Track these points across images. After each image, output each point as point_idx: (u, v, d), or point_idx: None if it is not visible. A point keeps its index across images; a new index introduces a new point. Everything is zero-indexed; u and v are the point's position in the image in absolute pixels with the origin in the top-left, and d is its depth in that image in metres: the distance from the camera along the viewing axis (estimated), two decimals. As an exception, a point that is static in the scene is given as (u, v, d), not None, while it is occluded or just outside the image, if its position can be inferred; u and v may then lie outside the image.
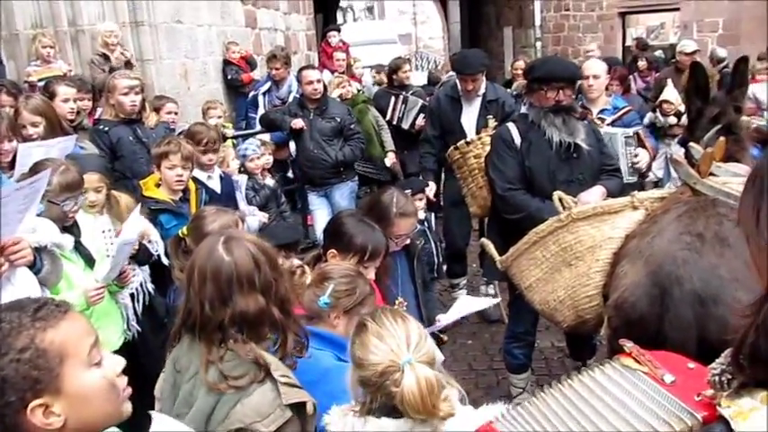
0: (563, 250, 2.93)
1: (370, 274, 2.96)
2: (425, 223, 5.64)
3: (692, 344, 2.26)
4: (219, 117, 6.43)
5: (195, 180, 4.20)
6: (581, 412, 1.69)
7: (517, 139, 3.88)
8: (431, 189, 5.53)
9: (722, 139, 2.88)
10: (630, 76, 8.86)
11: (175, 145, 3.90)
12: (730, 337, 1.07)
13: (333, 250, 2.91)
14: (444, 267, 6.11)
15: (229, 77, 8.43)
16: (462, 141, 4.83)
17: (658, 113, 6.45)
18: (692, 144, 2.95)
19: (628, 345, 1.73)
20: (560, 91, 3.77)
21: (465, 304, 3.72)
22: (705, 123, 3.01)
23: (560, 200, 2.91)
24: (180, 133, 4.81)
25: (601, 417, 1.62)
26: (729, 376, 1.09)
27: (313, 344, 2.30)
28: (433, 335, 3.39)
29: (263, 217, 4.94)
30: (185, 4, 7.47)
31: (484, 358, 5.38)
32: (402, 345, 1.86)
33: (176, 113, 5.67)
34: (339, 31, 11.30)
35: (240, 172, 5.49)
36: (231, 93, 8.67)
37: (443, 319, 3.48)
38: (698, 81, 3.14)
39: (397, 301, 3.39)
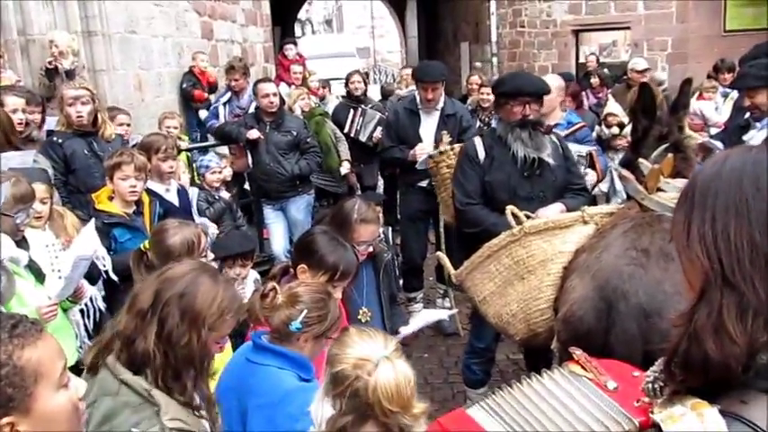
0: (515, 264, 2.97)
1: (339, 293, 2.94)
2: (383, 237, 5.66)
3: (637, 356, 2.31)
4: (176, 128, 6.36)
5: (149, 192, 4.14)
6: (530, 414, 1.75)
7: (481, 154, 3.92)
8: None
9: (670, 155, 2.96)
10: (584, 93, 9.05)
11: (128, 156, 3.84)
12: (663, 346, 1.11)
13: (303, 266, 2.89)
14: (401, 281, 6.12)
15: (184, 86, 8.35)
16: (436, 151, 4.90)
17: (603, 126, 6.61)
18: (641, 160, 3.03)
19: (576, 352, 1.79)
20: (527, 106, 3.82)
21: (425, 316, 3.74)
22: (651, 142, 3.09)
23: (513, 214, 2.95)
24: (134, 145, 4.74)
25: (547, 419, 1.68)
26: (662, 384, 1.13)
27: (277, 363, 2.31)
28: (396, 346, 3.41)
29: (214, 229, 4.89)
30: (140, 14, 7.38)
31: (440, 371, 5.39)
32: (379, 345, 1.90)
33: (129, 125, 5.58)
34: (296, 44, 11.30)
35: (192, 184, 5.44)
36: (186, 105, 8.60)
37: (404, 331, 3.49)
38: (645, 101, 3.23)
39: (360, 311, 3.42)
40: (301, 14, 33.47)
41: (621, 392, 1.61)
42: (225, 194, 5.89)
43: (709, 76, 8.16)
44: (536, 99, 3.88)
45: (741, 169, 1.08)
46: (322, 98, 9.03)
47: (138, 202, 3.92)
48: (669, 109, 3.22)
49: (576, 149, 4.61)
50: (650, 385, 1.16)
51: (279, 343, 2.36)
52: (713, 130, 6.51)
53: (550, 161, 3.83)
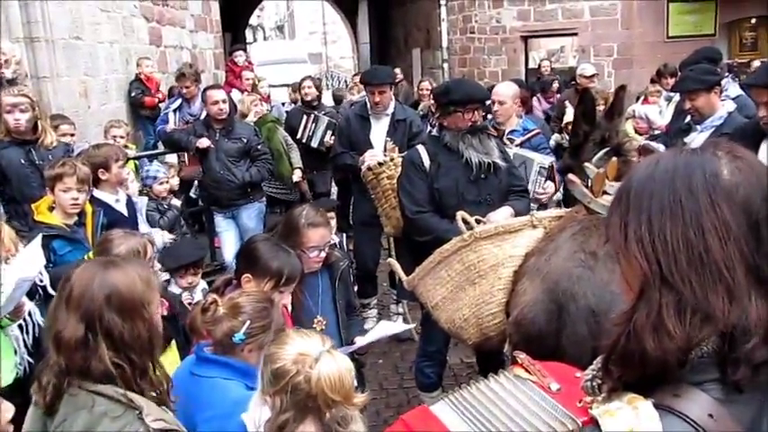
0: (467, 269, 2.99)
1: (286, 298, 2.94)
2: (338, 245, 5.65)
3: (588, 357, 2.33)
4: (122, 137, 6.22)
5: (94, 203, 4.05)
6: (476, 418, 1.76)
7: (426, 162, 3.94)
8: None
9: (614, 159, 3.01)
10: (535, 98, 9.19)
11: (70, 167, 3.75)
12: (603, 344, 1.13)
13: (248, 275, 2.86)
14: (355, 288, 6.10)
15: (132, 94, 8.20)
16: (375, 162, 4.90)
17: (564, 134, 6.71)
18: (586, 164, 3.08)
19: (520, 356, 1.83)
20: (475, 112, 3.88)
21: (382, 328, 3.73)
22: (591, 146, 3.15)
23: (463, 220, 2.97)
24: (78, 154, 4.63)
25: (499, 421, 1.70)
26: (599, 381, 1.16)
27: (223, 374, 2.29)
28: (351, 355, 3.40)
29: (166, 238, 4.81)
30: (85, 19, 7.22)
31: (394, 377, 5.40)
32: (317, 342, 1.95)
33: (73, 135, 5.44)
34: (245, 50, 11.21)
35: (140, 194, 5.34)
36: (135, 113, 8.44)
37: (359, 341, 3.48)
38: (586, 106, 3.29)
39: (315, 320, 3.40)
40: (253, 20, 33.27)
41: (565, 393, 1.65)
42: (176, 202, 5.81)
43: (652, 81, 8.39)
44: (482, 105, 3.94)
45: (673, 171, 1.11)
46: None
47: (80, 214, 3.83)
48: (605, 114, 3.29)
49: (540, 161, 4.66)
50: (588, 383, 1.19)
51: (223, 354, 2.34)
52: (657, 133, 6.68)
53: (501, 163, 3.88)
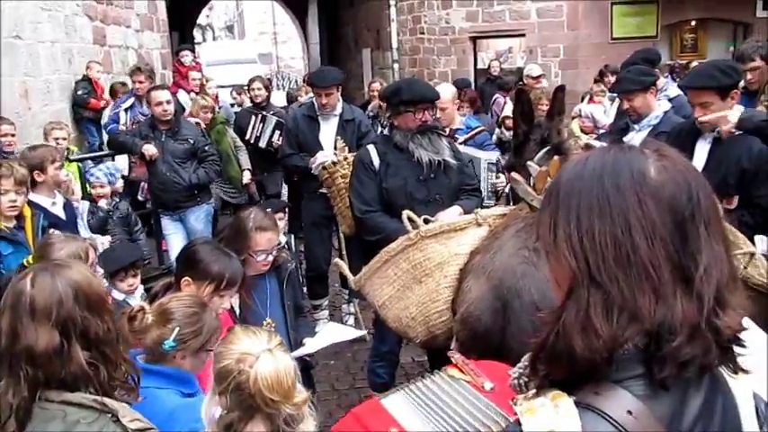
0: (413, 268, 3.00)
1: (226, 303, 2.91)
2: (286, 246, 5.61)
3: (533, 353, 2.38)
4: (64, 139, 6.07)
5: (32, 206, 3.94)
6: (426, 411, 1.78)
7: (376, 161, 3.97)
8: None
9: (556, 157, 3.07)
10: (500, 97, 9.26)
11: (7, 168, 3.65)
12: (531, 342, 1.14)
13: (187, 278, 2.83)
14: (305, 289, 6.08)
15: (78, 93, 8.01)
16: (329, 161, 4.87)
17: (502, 129, 6.81)
18: (529, 163, 3.13)
19: (455, 356, 1.84)
20: (425, 111, 3.91)
21: (333, 332, 3.72)
22: (533, 146, 3.20)
23: (409, 218, 2.99)
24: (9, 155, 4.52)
25: (438, 418, 1.70)
26: (526, 379, 1.16)
27: (155, 383, 2.24)
28: (300, 359, 3.38)
29: (105, 241, 4.71)
30: (25, 18, 7.01)
31: (346, 378, 5.39)
32: (263, 340, 1.94)
33: (13, 135, 5.29)
34: (192, 50, 11.06)
35: (84, 196, 5.22)
36: (78, 114, 8.25)
37: (309, 344, 3.47)
38: (523, 106, 3.34)
39: (264, 323, 3.37)
40: (202, 20, 32.82)
41: (498, 392, 1.67)
42: (124, 205, 5.70)
43: (596, 81, 8.58)
44: (432, 105, 3.98)
45: (601, 169, 1.11)
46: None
47: (19, 217, 3.74)
48: (546, 114, 3.35)
49: (486, 157, 4.72)
50: (516, 381, 1.19)
51: (155, 362, 2.30)
52: (603, 132, 6.84)
53: (452, 161, 3.93)
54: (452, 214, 3.69)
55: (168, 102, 5.97)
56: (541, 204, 1.18)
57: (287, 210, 5.71)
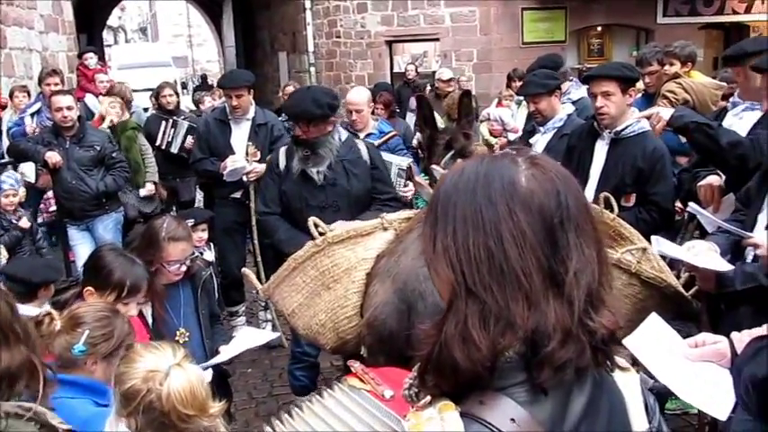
0: (321, 274, 2.99)
1: (132, 310, 2.83)
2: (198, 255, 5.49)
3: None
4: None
5: None
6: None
7: (282, 164, 3.98)
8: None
9: (460, 161, 3.13)
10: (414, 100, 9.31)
11: None
12: (417, 354, 1.14)
13: (90, 288, 2.76)
14: (219, 296, 5.97)
15: None
16: (243, 164, 4.82)
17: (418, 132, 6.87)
18: (433, 166, 3.18)
19: (355, 365, 1.82)
20: (310, 126, 3.91)
21: (247, 337, 3.66)
22: (441, 150, 3.25)
23: (315, 225, 2.98)
24: None
25: None
26: (416, 390, 1.16)
27: (67, 393, 2.16)
28: (217, 368, 3.32)
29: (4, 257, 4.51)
30: None
31: (264, 385, 5.33)
32: (168, 355, 1.89)
33: None
34: (96, 52, 10.68)
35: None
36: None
37: (224, 351, 3.41)
38: (424, 112, 3.40)
39: (177, 332, 3.31)
40: (113, 21, 31.83)
41: (398, 400, 1.66)
42: (25, 223, 5.45)
43: (507, 86, 8.79)
44: (307, 122, 3.95)
45: (475, 180, 1.12)
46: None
47: None
48: (456, 119, 3.41)
49: (398, 162, 4.75)
50: (407, 392, 1.19)
51: (66, 371, 2.22)
52: (511, 135, 7.01)
53: (315, 178, 3.92)
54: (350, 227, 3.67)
55: (69, 107, 5.74)
56: (424, 216, 1.18)
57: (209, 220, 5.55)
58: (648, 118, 3.68)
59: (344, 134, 4.28)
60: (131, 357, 1.94)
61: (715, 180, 3.64)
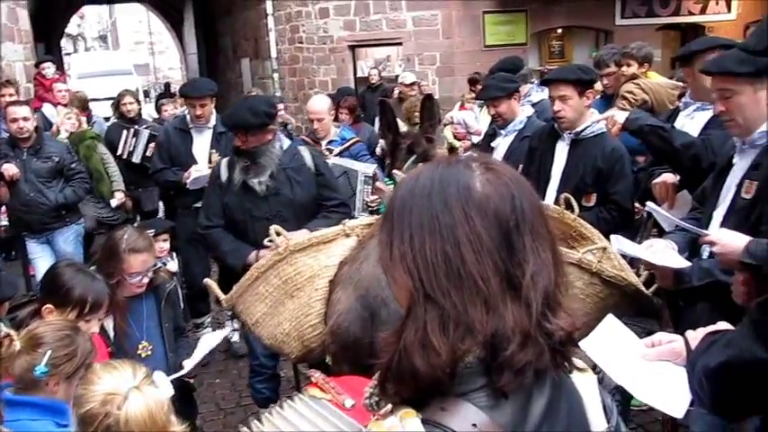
0: (284, 283, 2.96)
1: (94, 327, 2.79)
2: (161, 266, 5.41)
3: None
4: None
5: None
6: None
7: (224, 175, 3.95)
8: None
9: (420, 165, 3.13)
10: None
11: None
12: (378, 362, 1.13)
13: (49, 305, 2.70)
14: (185, 307, 5.89)
15: None
16: (205, 173, 4.76)
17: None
18: (395, 171, 3.18)
19: (315, 375, 1.81)
20: (247, 136, 3.89)
21: (205, 342, 3.63)
22: (403, 154, 3.26)
23: (277, 233, 2.95)
24: None
25: None
26: (377, 398, 1.15)
27: (28, 415, 2.13)
28: (181, 380, 3.28)
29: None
30: None
31: (232, 396, 5.28)
32: (127, 376, 1.85)
33: None
34: (54, 61, 10.48)
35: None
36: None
37: (187, 364, 3.37)
38: (387, 117, 3.40)
39: (140, 346, 3.27)
40: (72, 29, 31.32)
41: (359, 408, 1.65)
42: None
43: (472, 89, 8.84)
44: (245, 131, 3.92)
45: (431, 186, 1.11)
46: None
47: None
48: (416, 123, 3.42)
49: (363, 170, 4.73)
50: (367, 401, 1.18)
51: (26, 393, 2.18)
52: (475, 138, 7.05)
53: (257, 188, 3.89)
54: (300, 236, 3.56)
55: (25, 118, 5.63)
56: (381, 223, 1.18)
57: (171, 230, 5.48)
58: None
59: (286, 142, 4.24)
60: (89, 378, 1.90)
61: (669, 178, 3.73)
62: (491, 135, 4.95)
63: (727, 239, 2.48)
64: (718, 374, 1.51)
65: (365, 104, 9.55)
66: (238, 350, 5.69)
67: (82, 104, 7.86)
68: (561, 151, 4.02)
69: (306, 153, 4.14)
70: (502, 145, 4.70)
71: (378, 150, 6.01)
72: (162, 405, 1.83)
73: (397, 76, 11.57)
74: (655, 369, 1.73)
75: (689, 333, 1.72)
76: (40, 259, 5.85)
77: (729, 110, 2.75)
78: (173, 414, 1.87)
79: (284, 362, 4.47)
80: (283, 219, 3.81)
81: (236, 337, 5.87)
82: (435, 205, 1.09)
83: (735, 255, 2.33)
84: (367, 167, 4.79)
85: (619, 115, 3.68)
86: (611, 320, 1.94)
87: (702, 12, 13.34)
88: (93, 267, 3.22)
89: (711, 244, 2.57)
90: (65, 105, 8.15)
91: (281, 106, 7.34)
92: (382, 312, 2.57)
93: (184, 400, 3.46)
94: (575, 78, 3.85)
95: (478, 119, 7.34)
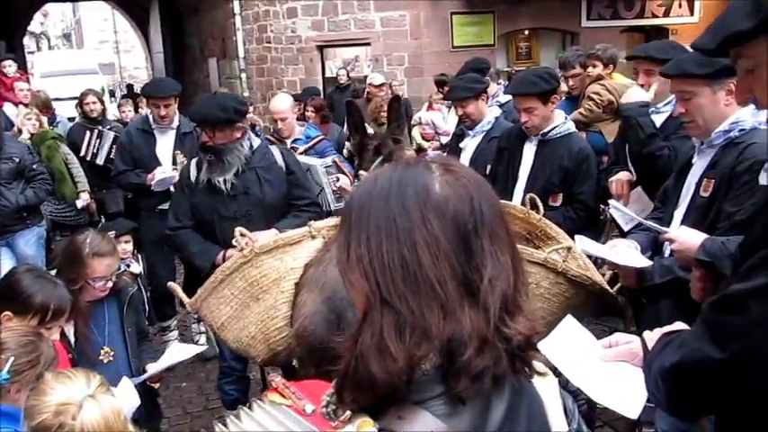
0: (250, 285, 2.94)
1: (55, 334, 2.74)
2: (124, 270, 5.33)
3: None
4: None
5: None
6: None
7: (193, 175, 3.90)
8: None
9: (387, 165, 3.12)
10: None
11: None
12: (335, 368, 1.11)
13: (7, 313, 2.63)
14: (149, 311, 5.81)
15: None
16: (172, 173, 4.71)
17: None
18: (362, 172, 3.17)
19: (275, 380, 1.79)
20: (215, 132, 3.85)
21: (175, 352, 3.58)
22: (371, 155, 3.25)
23: (241, 234, 2.92)
24: None
25: None
26: (335, 406, 1.12)
27: None
28: (144, 385, 3.23)
29: None
30: None
31: (199, 399, 5.23)
32: (81, 385, 1.81)
33: None
34: (15, 59, 10.29)
35: None
36: None
37: (152, 368, 3.32)
38: (354, 118, 3.39)
39: (102, 351, 3.22)
40: (35, 27, 30.76)
41: (319, 414, 1.63)
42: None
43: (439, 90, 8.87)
44: (212, 127, 3.86)
45: (389, 187, 1.09)
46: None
47: None
48: (382, 123, 3.42)
49: (321, 162, 4.72)
50: (324, 409, 1.15)
51: None
52: (443, 139, 7.08)
53: (222, 187, 3.83)
54: (266, 237, 3.48)
55: (-18, 119, 5.52)
56: (338, 228, 1.15)
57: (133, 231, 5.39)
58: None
59: (257, 141, 4.19)
60: (41, 389, 1.86)
61: (625, 175, 3.82)
62: (459, 136, 4.96)
63: (684, 237, 2.52)
64: (673, 374, 1.52)
65: (333, 105, 9.51)
66: (206, 353, 5.60)
67: (43, 104, 7.70)
68: (529, 151, 4.05)
69: (276, 152, 4.11)
70: (470, 146, 4.72)
71: (345, 152, 6.00)
72: (118, 413, 1.80)
73: (365, 77, 11.57)
74: (611, 370, 1.75)
75: (646, 333, 1.74)
76: (1, 262, 5.73)
77: (689, 111, 2.79)
78: (130, 423, 1.84)
79: (253, 364, 4.43)
80: (252, 218, 3.79)
81: (202, 340, 5.81)
82: (393, 207, 1.07)
83: (691, 252, 2.37)
84: (323, 160, 4.78)
85: (635, 90, 3.77)
86: (569, 321, 1.95)
87: (666, 14, 13.57)
88: (53, 272, 3.16)
89: (670, 241, 2.61)
90: (26, 105, 7.99)
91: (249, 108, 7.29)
92: (349, 315, 2.55)
93: (148, 407, 3.41)
94: (536, 92, 3.86)
95: (446, 120, 7.36)
